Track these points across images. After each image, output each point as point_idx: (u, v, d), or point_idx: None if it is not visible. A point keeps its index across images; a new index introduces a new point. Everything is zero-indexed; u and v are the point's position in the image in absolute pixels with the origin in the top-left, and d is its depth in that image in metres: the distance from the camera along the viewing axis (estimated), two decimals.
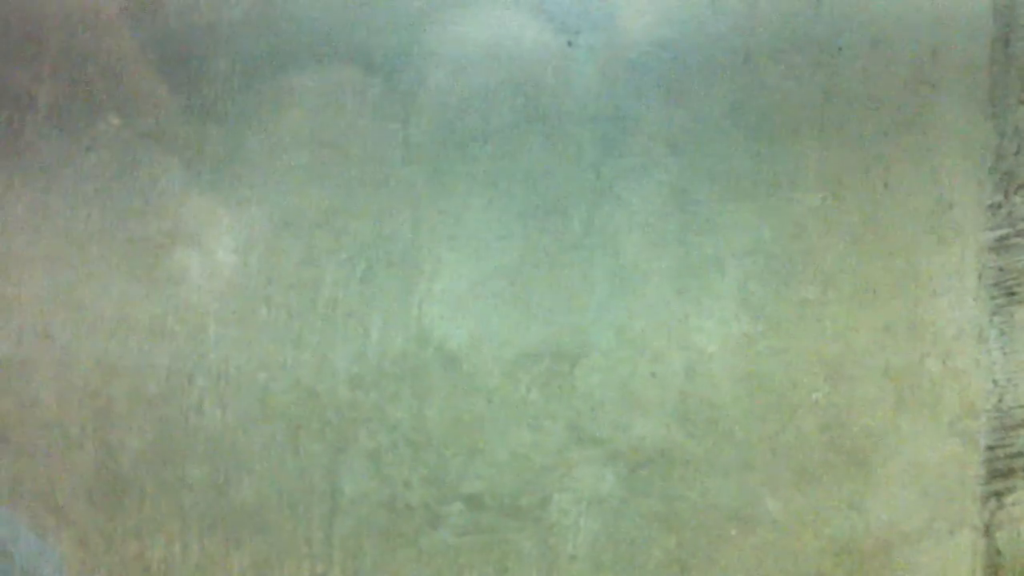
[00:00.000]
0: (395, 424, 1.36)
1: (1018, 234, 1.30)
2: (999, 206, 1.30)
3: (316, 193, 1.39)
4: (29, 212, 1.44)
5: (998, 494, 1.29)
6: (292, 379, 1.38)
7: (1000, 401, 1.30)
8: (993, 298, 1.30)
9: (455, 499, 1.36)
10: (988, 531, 1.29)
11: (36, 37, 1.47)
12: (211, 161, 1.41)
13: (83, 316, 1.42)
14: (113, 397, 1.40)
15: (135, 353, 1.40)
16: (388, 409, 1.36)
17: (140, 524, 1.39)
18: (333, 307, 1.38)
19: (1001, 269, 1.30)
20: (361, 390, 1.37)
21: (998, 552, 1.29)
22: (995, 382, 1.29)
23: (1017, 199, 1.30)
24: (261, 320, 1.39)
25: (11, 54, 1.46)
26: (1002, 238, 1.30)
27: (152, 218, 1.42)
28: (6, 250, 1.43)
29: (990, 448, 1.30)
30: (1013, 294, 1.30)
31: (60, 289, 1.43)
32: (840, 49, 1.33)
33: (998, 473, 1.29)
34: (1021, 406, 1.29)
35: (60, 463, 1.41)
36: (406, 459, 1.36)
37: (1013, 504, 1.29)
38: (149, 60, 1.43)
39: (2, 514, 1.38)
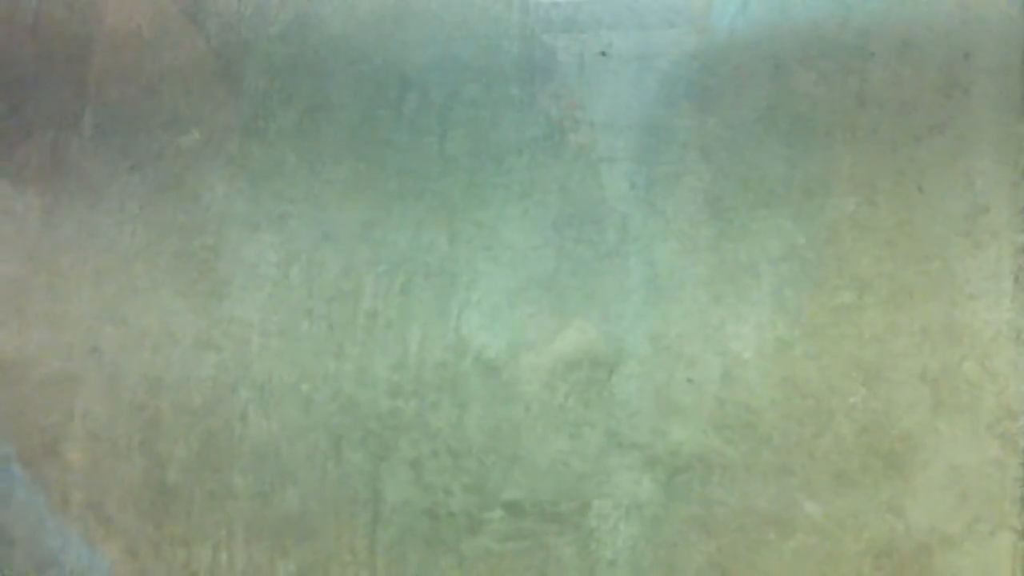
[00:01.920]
0: (435, 432, 1.64)
1: None
2: None
3: (354, 206, 1.68)
4: (76, 230, 1.74)
5: None
6: (334, 389, 1.66)
7: None
8: None
9: (495, 506, 1.62)
10: None
11: (79, 57, 1.77)
12: (252, 177, 1.71)
13: (129, 331, 1.71)
14: (159, 409, 1.70)
15: (180, 366, 1.70)
16: (428, 418, 1.64)
17: (187, 533, 1.68)
18: (373, 318, 1.66)
19: None
20: (401, 399, 1.64)
21: None
22: None
23: None
24: (303, 332, 1.67)
25: (55, 75, 1.77)
26: None
27: (195, 233, 1.71)
28: (54, 268, 1.74)
29: None
30: None
31: (107, 305, 1.73)
32: (871, 54, 1.58)
33: None
34: None
35: (109, 474, 1.70)
36: (447, 467, 1.63)
37: None
38: (191, 79, 1.73)
39: (53, 524, 1.67)
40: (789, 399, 1.59)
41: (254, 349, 1.70)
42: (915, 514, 1.56)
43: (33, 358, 1.75)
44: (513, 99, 1.67)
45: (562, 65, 1.66)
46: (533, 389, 1.64)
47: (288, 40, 1.74)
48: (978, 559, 1.54)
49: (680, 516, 1.61)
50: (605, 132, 1.64)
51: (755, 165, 1.61)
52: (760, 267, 1.60)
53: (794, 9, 1.61)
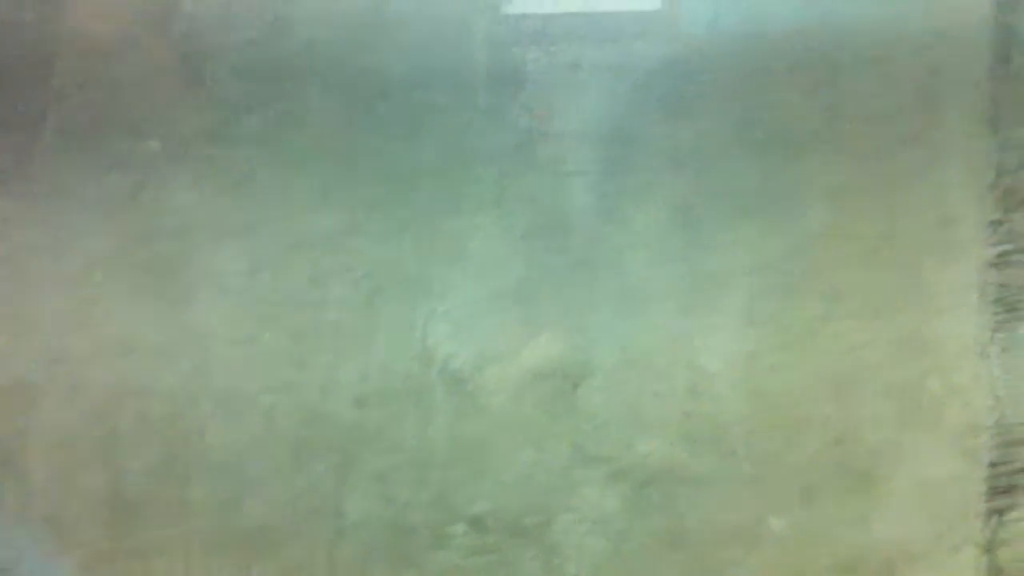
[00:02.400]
0: (400, 445, 1.68)
1: (1019, 250, 1.61)
2: (1000, 223, 1.61)
3: (323, 215, 1.73)
4: (39, 236, 1.79)
5: (1000, 511, 1.59)
6: (297, 400, 1.71)
7: (1002, 417, 1.60)
8: (995, 314, 1.60)
9: (459, 520, 1.67)
10: (990, 548, 1.59)
11: (46, 61, 1.81)
12: (220, 183, 1.75)
13: (91, 339, 1.76)
14: (121, 419, 1.74)
15: (142, 375, 1.74)
16: (393, 430, 1.69)
17: (147, 545, 1.72)
18: (338, 328, 1.71)
19: (1003, 285, 1.60)
20: (366, 411, 1.69)
21: (1000, 570, 1.59)
22: (997, 398, 1.60)
23: (1018, 216, 1.61)
24: (267, 342, 1.72)
25: (22, 79, 1.81)
26: (1004, 254, 1.61)
27: (160, 241, 1.75)
28: (18, 273, 1.78)
29: (992, 465, 1.60)
30: (1014, 310, 1.60)
31: (69, 312, 1.77)
32: (843, 68, 1.65)
33: (1000, 490, 1.60)
34: (1022, 422, 1.58)
35: (68, 484, 1.74)
36: (411, 480, 1.68)
37: (1015, 521, 1.59)
38: (159, 83, 1.77)
39: (8, 535, 1.70)
40: (757, 412, 1.64)
41: (217, 359, 1.74)
42: (881, 528, 1.62)
43: None
44: (484, 109, 1.73)
45: (533, 75, 1.72)
46: (499, 401, 1.69)
47: (259, 46, 1.78)
48: (943, 573, 1.60)
49: (646, 530, 1.66)
50: (576, 142, 1.70)
51: (727, 176, 1.67)
52: (730, 279, 1.66)
53: (767, 22, 1.67)
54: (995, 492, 1.60)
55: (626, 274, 1.69)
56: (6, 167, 1.80)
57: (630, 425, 1.67)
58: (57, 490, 1.74)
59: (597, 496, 1.67)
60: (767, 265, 1.64)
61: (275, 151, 1.77)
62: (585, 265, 1.69)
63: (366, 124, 1.75)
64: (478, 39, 1.74)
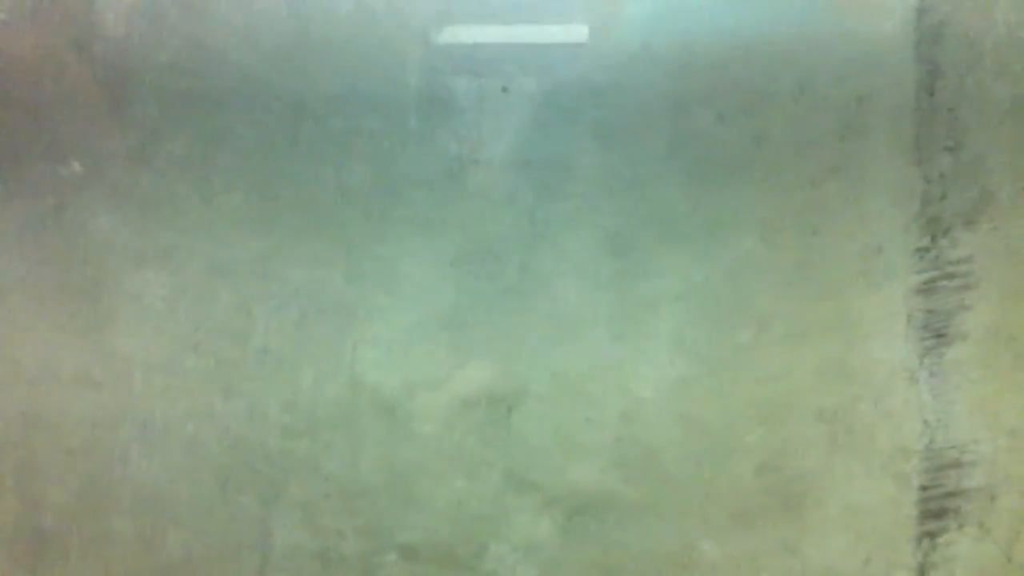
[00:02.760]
0: (328, 474, 1.66)
1: (945, 277, 1.64)
2: (927, 250, 1.64)
3: (248, 239, 1.71)
4: None
5: (931, 534, 1.62)
6: (221, 428, 1.68)
7: (931, 442, 1.63)
8: (922, 340, 1.63)
9: (390, 549, 1.66)
10: (922, 572, 1.62)
11: None
12: (139, 206, 1.73)
13: (5, 365, 1.71)
14: (35, 448, 1.69)
15: (58, 403, 1.70)
16: (321, 458, 1.67)
17: None
18: (264, 354, 1.68)
19: (930, 311, 1.64)
20: (293, 439, 1.67)
21: None
22: (926, 423, 1.62)
23: (944, 243, 1.64)
24: (189, 368, 1.69)
25: None
26: (930, 281, 1.64)
27: (77, 265, 1.72)
28: None
29: (923, 488, 1.63)
30: (941, 335, 1.63)
31: None
32: (770, 96, 1.68)
33: (931, 514, 1.62)
34: (952, 447, 1.62)
35: None
36: (339, 509, 1.66)
37: (946, 545, 1.62)
38: (76, 104, 1.74)
39: None
40: (687, 438, 1.66)
41: (137, 386, 1.71)
42: (811, 553, 1.63)
43: None
44: (413, 133, 1.73)
45: (463, 100, 1.72)
46: (430, 428, 1.68)
47: (180, 68, 1.76)
48: None
49: (579, 558, 1.66)
50: (506, 168, 1.70)
51: (656, 203, 1.69)
52: (660, 305, 1.68)
53: (696, 48, 1.70)
54: (926, 516, 1.63)
55: (557, 300, 1.69)
56: None
57: (563, 451, 1.67)
58: None
59: (530, 524, 1.67)
60: (696, 292, 1.67)
61: (198, 175, 1.75)
62: (516, 291, 1.69)
63: (292, 148, 1.74)
64: (407, 65, 1.74)
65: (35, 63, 1.82)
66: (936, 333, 1.69)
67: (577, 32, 1.78)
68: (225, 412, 1.74)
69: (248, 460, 1.73)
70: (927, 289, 1.69)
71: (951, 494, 1.68)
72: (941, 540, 1.67)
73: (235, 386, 1.74)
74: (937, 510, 1.68)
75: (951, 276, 1.68)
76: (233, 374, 1.75)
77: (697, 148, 1.73)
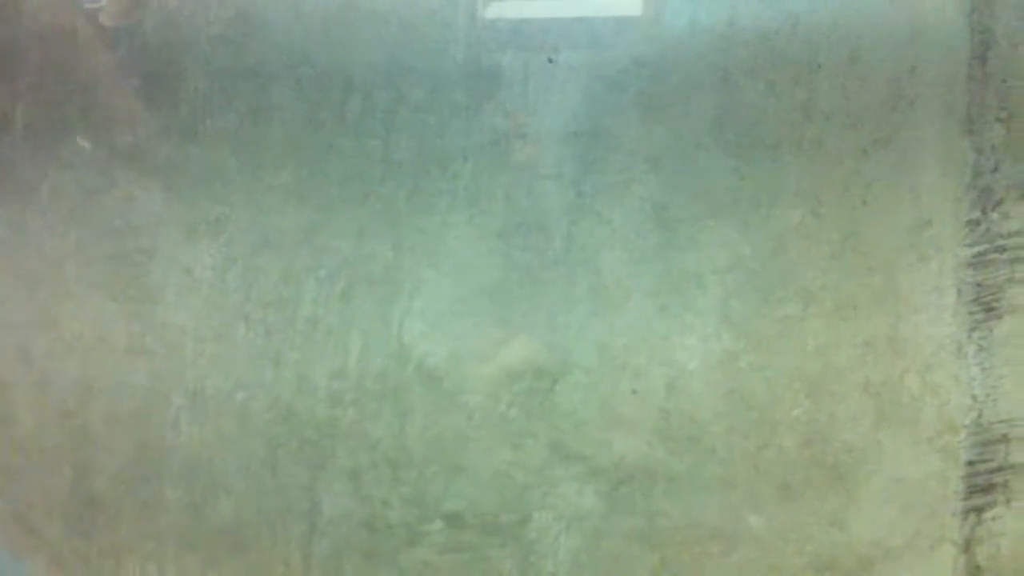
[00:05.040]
0: (375, 442, 1.73)
1: (996, 250, 1.66)
2: (977, 223, 1.67)
3: (295, 211, 1.77)
4: (6, 232, 1.82)
5: (978, 509, 1.65)
6: (271, 398, 1.75)
7: (979, 416, 1.65)
8: (972, 314, 1.66)
9: (435, 517, 1.72)
10: (968, 547, 1.65)
11: (12, 56, 1.85)
12: (189, 180, 1.79)
13: (60, 336, 1.79)
14: (89, 417, 1.77)
15: (111, 372, 1.77)
16: (368, 427, 1.73)
17: (116, 545, 1.75)
18: (312, 325, 1.75)
19: (979, 285, 1.66)
20: (340, 408, 1.73)
21: (978, 568, 1.64)
22: (974, 397, 1.65)
23: (995, 215, 1.67)
24: (239, 338, 1.76)
25: None
26: (980, 254, 1.67)
27: (130, 236, 1.79)
28: None
29: (970, 463, 1.66)
30: (991, 309, 1.66)
31: (37, 309, 1.80)
32: (819, 66, 1.71)
33: (978, 488, 1.65)
34: (1000, 421, 1.65)
35: (36, 483, 1.77)
36: (386, 478, 1.72)
37: (992, 519, 1.65)
38: (127, 78, 1.81)
39: None
40: (733, 411, 1.70)
41: (188, 355, 1.78)
42: (857, 527, 1.67)
43: None
44: (459, 105, 1.77)
45: (509, 73, 1.76)
46: (476, 399, 1.73)
47: (229, 41, 1.83)
48: (919, 572, 1.66)
49: (622, 528, 1.71)
50: (552, 140, 1.75)
51: (702, 175, 1.72)
52: (706, 278, 1.71)
53: (743, 20, 1.72)
54: (973, 490, 1.66)
55: (603, 273, 1.73)
56: None
57: (607, 423, 1.72)
58: (26, 489, 1.77)
59: (574, 494, 1.72)
60: (743, 264, 1.70)
61: (246, 149, 1.81)
62: (561, 264, 1.74)
63: (339, 122, 1.80)
64: (454, 38, 1.78)
65: (87, 39, 1.90)
66: (986, 307, 1.71)
67: (625, 4, 1.82)
68: (274, 381, 1.81)
69: (296, 429, 1.80)
70: (977, 262, 1.71)
71: (998, 469, 1.70)
72: (988, 515, 1.70)
73: (284, 356, 1.81)
74: (984, 485, 1.71)
75: (1001, 249, 1.70)
76: (282, 344, 1.81)
77: (744, 120, 1.76)
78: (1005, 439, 1.67)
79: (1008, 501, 1.67)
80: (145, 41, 1.87)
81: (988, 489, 1.68)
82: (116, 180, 1.84)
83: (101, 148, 1.85)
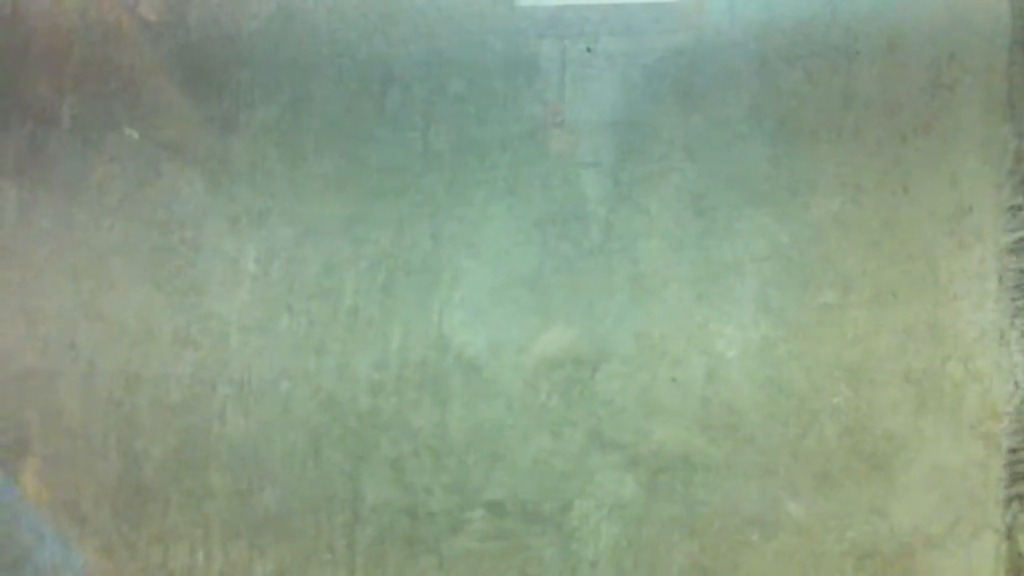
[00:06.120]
0: (416, 431, 1.76)
1: None
2: (1019, 208, 1.67)
3: (336, 202, 1.80)
4: (53, 224, 1.87)
5: (1021, 497, 1.66)
6: (313, 387, 1.79)
7: (1022, 403, 1.66)
8: (1014, 300, 1.67)
9: (477, 506, 1.75)
10: (1011, 534, 1.66)
11: (58, 50, 1.89)
12: (232, 171, 1.83)
13: (106, 326, 1.84)
14: (136, 406, 1.82)
15: (158, 362, 1.82)
16: (409, 416, 1.76)
17: (164, 532, 1.80)
18: (354, 315, 1.78)
19: (1021, 271, 1.67)
20: (382, 397, 1.77)
21: (1020, 555, 1.66)
22: (1017, 384, 1.66)
23: None
24: (283, 329, 1.80)
25: (33, 68, 1.89)
26: (1021, 240, 1.67)
27: (174, 228, 1.84)
28: (31, 262, 1.86)
29: (1012, 451, 1.66)
30: None
31: (84, 300, 1.85)
32: (857, 53, 1.72)
33: (1020, 476, 1.66)
34: None
35: (84, 472, 1.82)
36: (427, 466, 1.76)
37: None
38: (170, 72, 1.85)
39: (27, 522, 1.79)
40: (773, 399, 1.71)
41: (233, 346, 1.82)
42: (898, 515, 1.68)
43: (8, 353, 1.87)
44: (497, 95, 1.80)
45: (547, 62, 1.79)
46: (515, 388, 1.76)
47: (270, 34, 1.86)
48: (961, 560, 1.67)
49: (662, 516, 1.73)
50: (590, 129, 1.77)
51: (740, 163, 1.74)
52: (744, 266, 1.73)
53: (781, 8, 1.73)
54: (1016, 478, 1.67)
55: (641, 261, 1.75)
56: (21, 156, 1.88)
57: (646, 411, 1.74)
58: (75, 477, 1.83)
59: (614, 482, 1.75)
60: (781, 253, 1.71)
61: (287, 140, 1.84)
62: (599, 253, 1.76)
63: (378, 113, 1.82)
64: (492, 27, 1.81)
65: (132, 33, 1.94)
66: None
67: None
68: (317, 371, 1.84)
69: (339, 418, 1.84)
70: (1019, 248, 1.71)
71: None
72: None
73: (326, 346, 1.85)
74: None
75: None
76: (324, 334, 1.85)
77: (783, 107, 1.77)
78: None
79: None
80: (188, 35, 1.90)
81: None
82: (161, 173, 1.88)
83: (146, 141, 1.89)
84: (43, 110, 1.91)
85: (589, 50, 1.80)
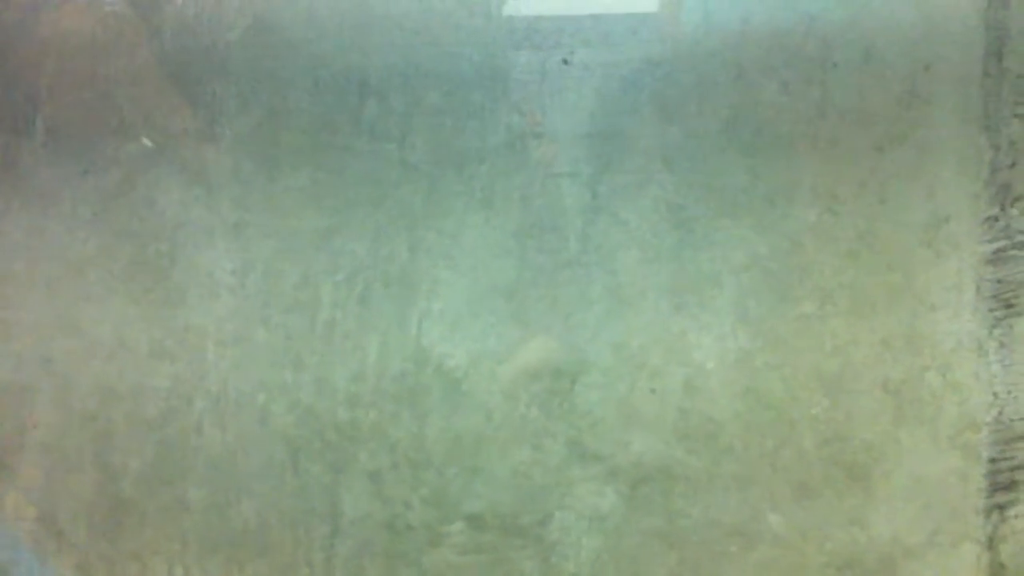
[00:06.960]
0: (395, 444, 1.76)
1: (1015, 246, 1.68)
2: (996, 219, 1.68)
3: (313, 214, 1.80)
4: (27, 236, 1.86)
5: (1000, 507, 1.66)
6: (291, 400, 1.78)
7: (1001, 413, 1.67)
8: (991, 310, 1.68)
9: (456, 518, 1.75)
10: (991, 544, 1.66)
11: (32, 62, 1.88)
12: (208, 183, 1.82)
13: (81, 340, 1.83)
14: (112, 420, 1.81)
15: (134, 376, 1.81)
16: (388, 429, 1.76)
17: (141, 547, 1.79)
18: (331, 328, 1.78)
19: (999, 281, 1.68)
20: (360, 410, 1.77)
21: (1001, 566, 1.66)
22: (995, 394, 1.67)
23: (1013, 211, 1.68)
24: (259, 341, 1.79)
25: (8, 79, 1.88)
26: (999, 250, 1.68)
27: (150, 240, 1.83)
28: (5, 274, 1.85)
29: (992, 461, 1.67)
30: (1011, 306, 1.68)
31: (59, 313, 1.84)
32: (833, 65, 1.73)
33: (1000, 486, 1.67)
34: (1022, 418, 1.67)
35: (60, 486, 1.81)
36: (406, 479, 1.76)
37: (1016, 517, 1.66)
38: (146, 83, 1.85)
39: (2, 538, 1.78)
40: (751, 410, 1.72)
41: (210, 359, 1.82)
42: (877, 525, 1.69)
43: None
44: (475, 107, 1.80)
45: (524, 73, 1.79)
46: (494, 400, 1.76)
47: (246, 45, 1.86)
48: (941, 570, 1.68)
49: (642, 528, 1.73)
50: (567, 140, 1.77)
51: (717, 174, 1.74)
52: (722, 277, 1.74)
53: (757, 19, 1.74)
54: (995, 488, 1.68)
55: (618, 272, 1.76)
56: None
57: (626, 422, 1.75)
58: (51, 492, 1.82)
59: (594, 494, 1.75)
60: (758, 264, 1.72)
61: (263, 152, 1.83)
62: (577, 264, 1.76)
63: (355, 125, 1.82)
64: (469, 39, 1.81)
65: (106, 41, 1.93)
66: (1006, 304, 1.73)
67: (639, 3, 1.84)
68: (295, 384, 1.84)
69: (317, 431, 1.83)
70: (996, 259, 1.72)
71: (1021, 466, 1.72)
72: (1011, 513, 1.71)
73: (304, 359, 1.84)
74: (1006, 482, 1.72)
75: (1021, 245, 1.72)
76: (302, 347, 1.85)
77: (759, 118, 1.78)
78: None
79: None
80: (164, 47, 1.90)
81: (1011, 486, 1.70)
82: (136, 184, 1.88)
83: (121, 153, 1.88)
84: (16, 121, 1.90)
85: (566, 62, 1.80)
